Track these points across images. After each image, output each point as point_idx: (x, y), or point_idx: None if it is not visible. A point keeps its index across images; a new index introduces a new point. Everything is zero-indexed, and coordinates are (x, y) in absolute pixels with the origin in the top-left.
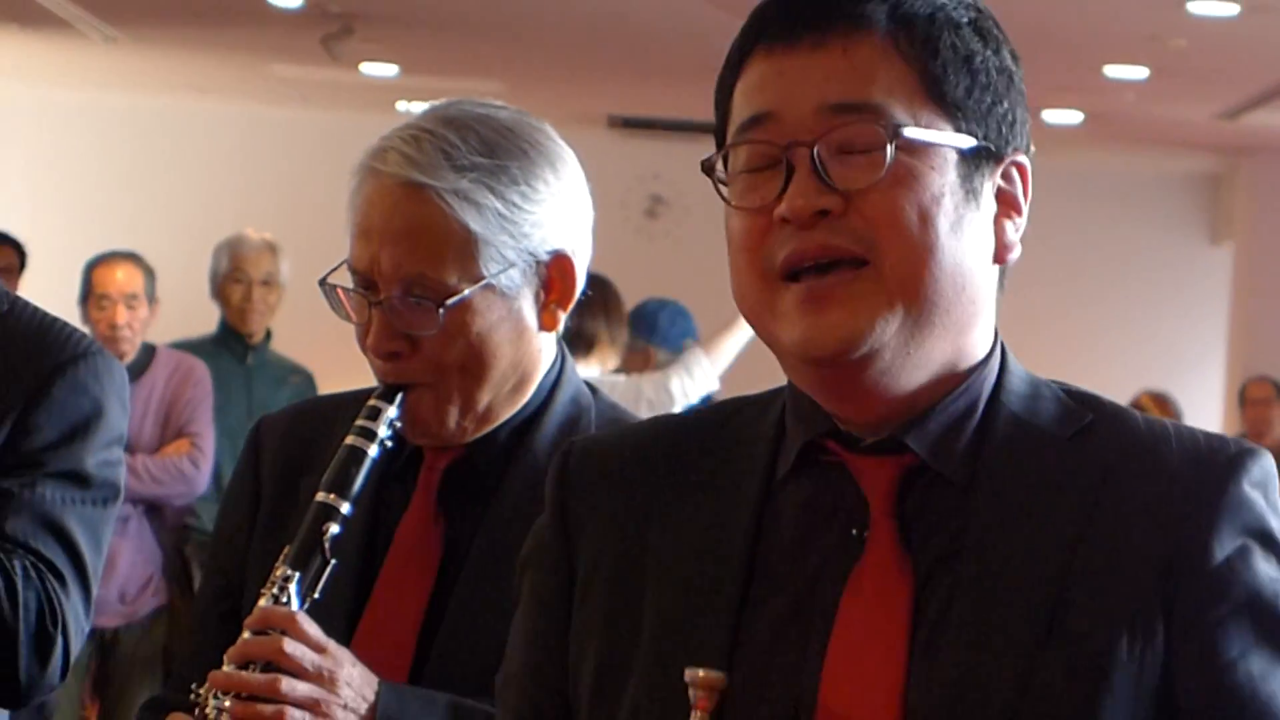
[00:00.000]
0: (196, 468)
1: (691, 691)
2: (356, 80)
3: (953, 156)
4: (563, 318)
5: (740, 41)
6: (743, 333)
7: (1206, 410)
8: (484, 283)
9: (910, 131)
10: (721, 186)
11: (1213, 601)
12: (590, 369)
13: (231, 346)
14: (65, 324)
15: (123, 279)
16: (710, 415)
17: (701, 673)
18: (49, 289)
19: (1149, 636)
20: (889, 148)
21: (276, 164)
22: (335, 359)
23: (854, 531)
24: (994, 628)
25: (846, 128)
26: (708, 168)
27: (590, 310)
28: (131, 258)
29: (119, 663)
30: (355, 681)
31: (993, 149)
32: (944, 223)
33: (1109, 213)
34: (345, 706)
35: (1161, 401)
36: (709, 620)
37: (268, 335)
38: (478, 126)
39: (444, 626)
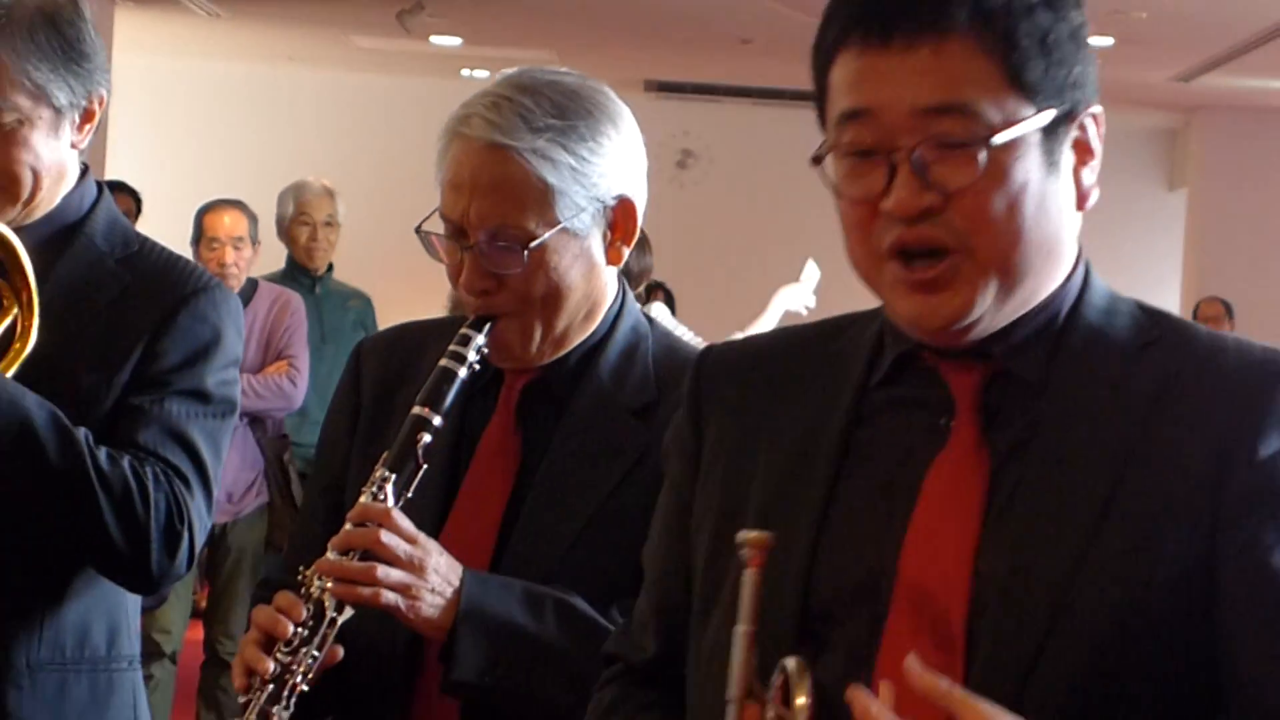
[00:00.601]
0: (295, 385)
1: (743, 551)
2: (426, 50)
3: (1036, 137)
4: (626, 253)
5: (831, 29)
6: (766, 320)
7: None
8: (560, 227)
9: (999, 137)
10: (827, 159)
11: (1257, 494)
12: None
13: (299, 279)
14: (188, 261)
15: (230, 224)
16: (823, 327)
17: (752, 534)
18: (158, 234)
19: (1197, 523)
20: (982, 153)
21: (356, 124)
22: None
23: (941, 422)
24: (1057, 508)
25: (941, 127)
26: (817, 157)
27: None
28: (237, 205)
29: (226, 553)
30: (442, 569)
31: (1069, 113)
32: (1030, 206)
33: None
34: (433, 590)
35: (1219, 306)
36: (805, 491)
37: (330, 268)
38: (548, 91)
39: (520, 523)
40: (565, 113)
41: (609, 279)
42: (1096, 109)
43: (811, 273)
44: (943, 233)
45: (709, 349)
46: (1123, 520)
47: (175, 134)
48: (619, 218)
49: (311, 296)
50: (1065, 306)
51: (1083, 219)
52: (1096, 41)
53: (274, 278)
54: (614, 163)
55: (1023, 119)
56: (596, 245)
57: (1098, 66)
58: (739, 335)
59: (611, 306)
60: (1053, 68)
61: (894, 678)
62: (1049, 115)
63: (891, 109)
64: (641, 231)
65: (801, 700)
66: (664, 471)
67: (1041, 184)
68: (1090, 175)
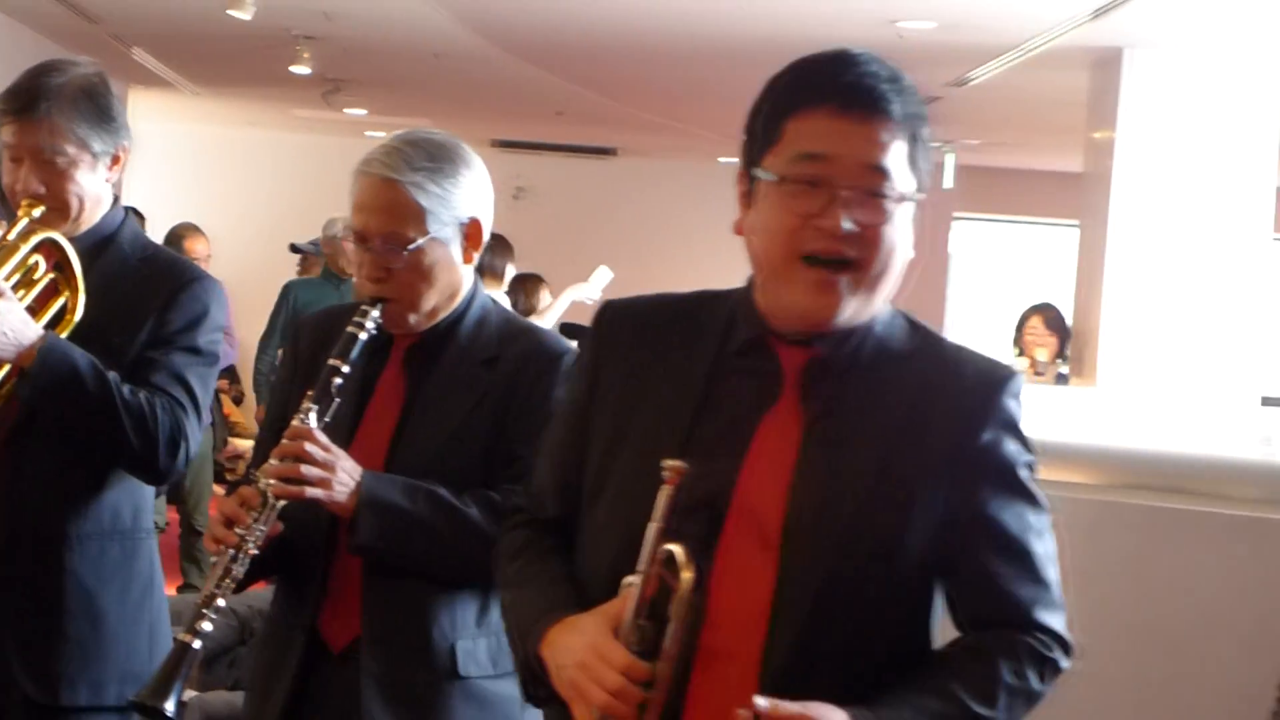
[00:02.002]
0: (231, 349)
1: (665, 473)
2: (342, 118)
3: (910, 206)
4: (476, 256)
5: (798, 91)
6: (557, 308)
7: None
8: (430, 236)
9: (902, 196)
10: (762, 175)
11: (979, 468)
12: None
13: (333, 281)
14: (186, 260)
15: (201, 248)
16: (693, 298)
17: (674, 462)
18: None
19: (939, 485)
20: (889, 203)
21: (294, 170)
22: None
23: (772, 390)
24: (847, 461)
25: (871, 182)
26: (758, 175)
27: (490, 251)
28: (197, 228)
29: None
30: (349, 469)
31: (921, 191)
32: (901, 247)
33: None
34: (342, 484)
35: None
36: (673, 428)
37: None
38: (424, 144)
39: (403, 439)
40: (435, 158)
41: (465, 273)
42: (922, 196)
43: (602, 275)
44: (853, 251)
45: (609, 303)
46: (892, 477)
47: (167, 175)
48: (471, 232)
49: (337, 293)
50: (873, 318)
51: None
52: None
53: (313, 281)
54: (467, 194)
55: (910, 190)
56: (456, 250)
57: None
58: (534, 319)
59: (467, 292)
60: (924, 161)
61: (726, 564)
62: (919, 194)
63: (846, 158)
64: (506, 240)
65: (687, 575)
66: (569, 388)
67: (905, 236)
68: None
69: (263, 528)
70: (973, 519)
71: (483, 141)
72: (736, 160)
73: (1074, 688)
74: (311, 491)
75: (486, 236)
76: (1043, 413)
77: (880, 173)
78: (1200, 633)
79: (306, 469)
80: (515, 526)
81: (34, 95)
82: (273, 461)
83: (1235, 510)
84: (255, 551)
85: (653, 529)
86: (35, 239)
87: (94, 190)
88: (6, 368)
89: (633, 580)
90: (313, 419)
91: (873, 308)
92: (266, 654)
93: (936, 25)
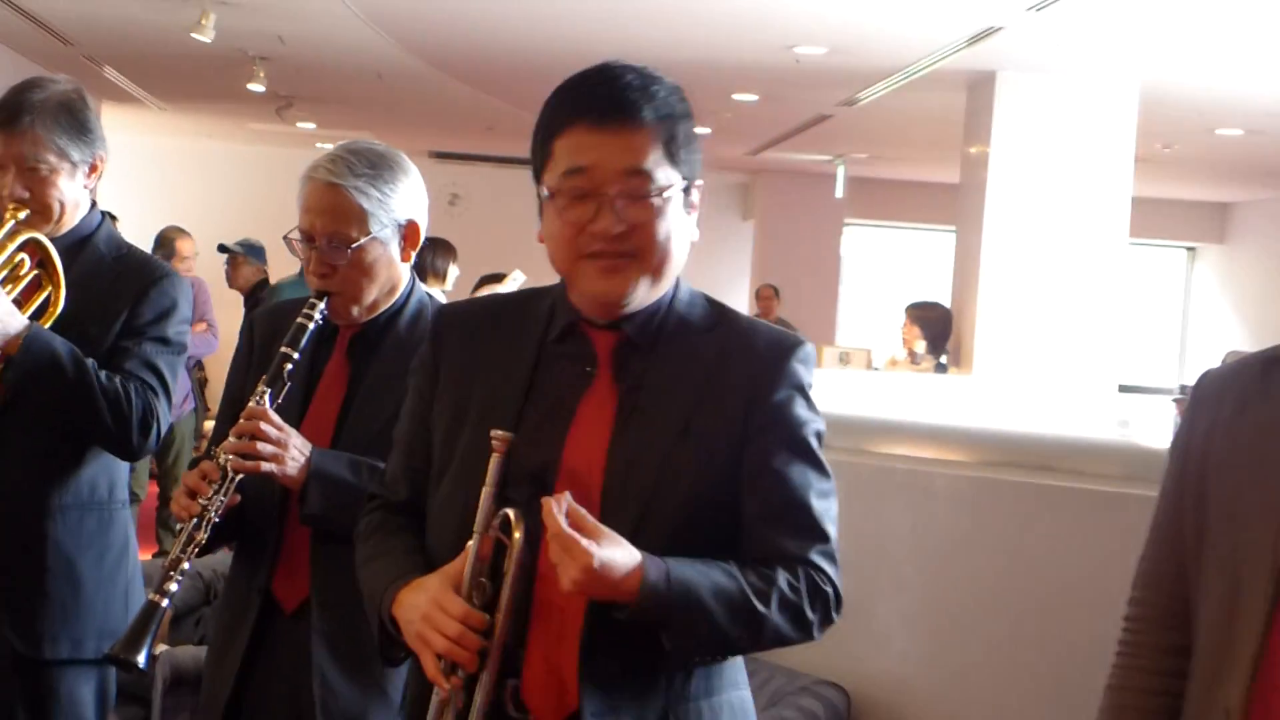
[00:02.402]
0: (215, 337)
1: (494, 442)
2: (293, 131)
3: (679, 195)
4: (413, 255)
5: (560, 111)
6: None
7: (740, 306)
8: (371, 236)
9: (666, 192)
10: (544, 192)
11: (769, 423)
12: (433, 288)
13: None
14: (156, 258)
15: (188, 248)
16: (517, 296)
17: (500, 432)
18: None
19: (736, 441)
20: (654, 199)
21: (246, 177)
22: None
23: (589, 369)
24: (656, 427)
25: (632, 185)
26: (541, 192)
27: (432, 252)
28: (185, 231)
29: (172, 439)
30: (299, 445)
31: (691, 182)
32: (676, 233)
33: None
34: (293, 459)
35: (770, 290)
36: (505, 408)
37: None
38: (366, 153)
39: (348, 419)
40: (375, 166)
41: (403, 270)
42: (700, 182)
43: (517, 277)
44: (627, 246)
45: (444, 306)
46: (695, 437)
47: (136, 182)
48: (408, 233)
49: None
50: (668, 299)
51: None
52: (701, 131)
53: (300, 282)
54: (405, 198)
55: (674, 183)
56: (394, 249)
57: (703, 146)
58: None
59: (405, 287)
60: (688, 153)
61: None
62: (684, 182)
63: (603, 168)
64: (449, 243)
65: (518, 534)
66: (410, 382)
67: (679, 220)
68: (694, 224)
69: (223, 498)
70: (761, 470)
71: (421, 153)
72: None
73: (952, 642)
74: (266, 466)
75: (423, 237)
76: (925, 399)
77: (640, 175)
78: (1064, 594)
79: (262, 446)
80: (371, 511)
81: (18, 109)
82: (231, 439)
83: (1096, 486)
84: (217, 520)
85: (486, 493)
86: (20, 239)
87: (73, 195)
88: None
89: (472, 542)
90: (267, 400)
91: (663, 287)
92: (226, 613)
93: (828, 50)
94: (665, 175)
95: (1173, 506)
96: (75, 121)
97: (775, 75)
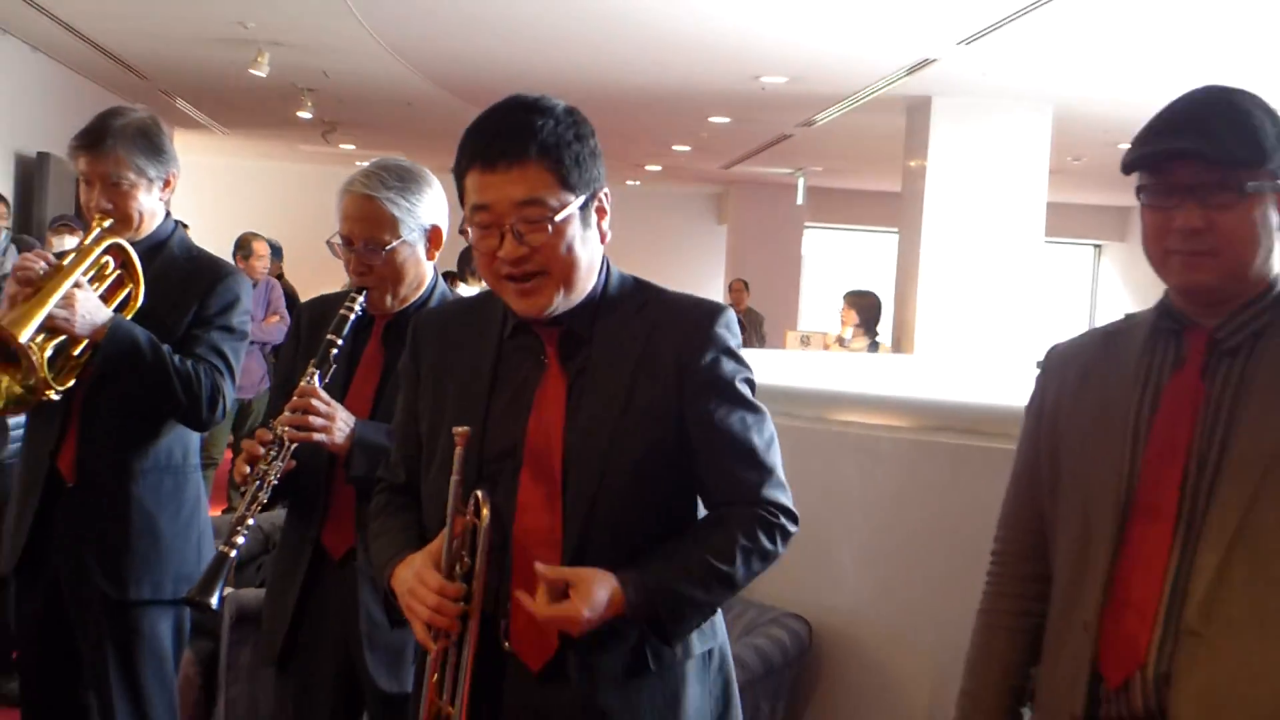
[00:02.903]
0: (286, 327)
1: (455, 436)
2: (336, 151)
3: (577, 212)
4: (436, 254)
5: (462, 156)
6: None
7: (715, 297)
8: (401, 239)
9: (558, 216)
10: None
11: (702, 385)
12: (472, 287)
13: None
14: (221, 259)
15: (262, 249)
16: (480, 298)
17: (460, 428)
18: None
19: (673, 404)
20: (549, 224)
21: (297, 191)
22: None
23: (542, 359)
24: (603, 401)
25: (525, 213)
26: (462, 227)
27: (471, 258)
28: (260, 235)
29: (249, 411)
30: (344, 418)
31: (591, 195)
32: (579, 246)
33: (669, 210)
34: (339, 430)
35: (741, 284)
36: (475, 401)
37: None
38: (395, 169)
39: (383, 396)
40: (404, 179)
41: (428, 268)
42: (605, 189)
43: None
44: (533, 266)
45: (418, 315)
46: (636, 406)
47: (204, 196)
48: (432, 236)
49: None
50: (599, 290)
51: (674, 235)
52: (680, 148)
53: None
54: (429, 206)
55: (568, 204)
56: (421, 250)
57: (683, 162)
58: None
59: (430, 281)
60: (581, 171)
61: (525, 500)
62: (581, 200)
63: (498, 203)
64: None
65: (485, 512)
66: (402, 381)
67: (582, 233)
68: (605, 223)
69: (281, 464)
70: (703, 425)
71: (445, 169)
72: (637, 182)
73: (893, 584)
74: (317, 436)
75: (445, 239)
76: (873, 374)
77: (533, 204)
78: (989, 536)
79: (313, 419)
80: (380, 492)
81: (102, 133)
82: (286, 413)
83: (1015, 446)
84: (275, 482)
85: (454, 481)
86: (105, 244)
87: (150, 206)
88: (85, 342)
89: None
90: (316, 380)
91: (581, 289)
92: (282, 561)
93: (789, 79)
94: (558, 199)
95: (1029, 460)
96: (151, 143)
97: (744, 101)
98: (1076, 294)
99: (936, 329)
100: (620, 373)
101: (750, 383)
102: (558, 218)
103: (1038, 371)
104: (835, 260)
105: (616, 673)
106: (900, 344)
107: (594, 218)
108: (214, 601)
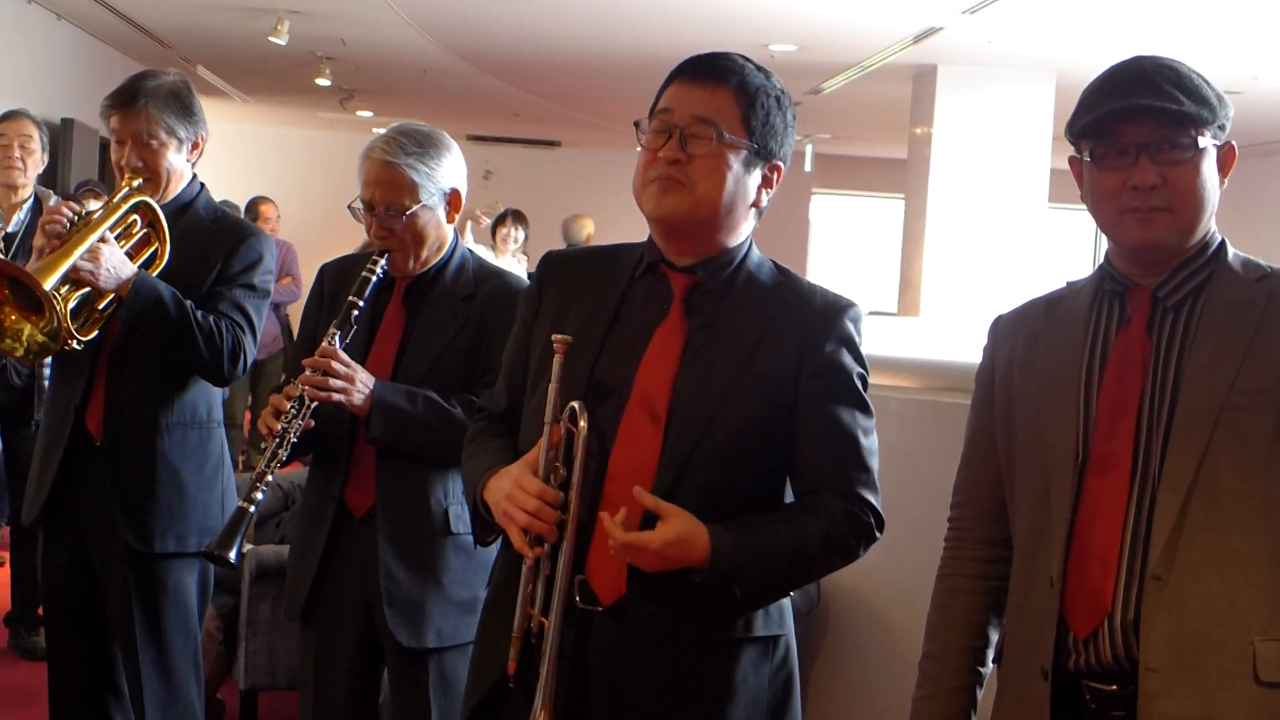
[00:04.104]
0: (299, 287)
1: (554, 345)
2: (353, 119)
3: (742, 153)
4: (456, 217)
5: (669, 76)
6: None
7: None
8: (421, 204)
9: (727, 135)
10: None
11: (820, 371)
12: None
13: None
14: (246, 220)
15: (272, 212)
16: (617, 246)
17: (559, 336)
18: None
19: (789, 381)
20: (713, 140)
21: (316, 158)
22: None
23: (664, 306)
24: (720, 361)
25: (698, 128)
26: (640, 123)
27: (512, 220)
28: (269, 199)
29: (262, 371)
30: (364, 379)
31: (764, 154)
32: (730, 180)
33: None
34: (359, 390)
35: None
36: (594, 333)
37: None
38: (414, 134)
39: (405, 356)
40: (423, 145)
41: (448, 231)
42: (781, 163)
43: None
44: (681, 175)
45: (550, 252)
46: (753, 373)
47: (225, 161)
48: (452, 200)
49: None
50: (738, 257)
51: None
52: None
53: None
54: (448, 171)
55: (738, 143)
56: (441, 213)
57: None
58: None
59: (450, 244)
60: (767, 128)
61: (626, 433)
62: (751, 147)
63: (681, 110)
64: (521, 213)
65: (582, 422)
66: (518, 312)
67: (739, 175)
68: (765, 197)
69: (300, 423)
70: (813, 408)
71: (459, 135)
72: None
73: (905, 537)
74: (337, 396)
75: (464, 202)
76: (882, 337)
77: (707, 122)
78: None
79: (332, 379)
80: (476, 420)
81: (135, 93)
82: (306, 372)
83: None
84: (295, 440)
85: (552, 389)
86: (133, 202)
87: (179, 167)
88: (110, 296)
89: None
90: (337, 341)
91: (721, 234)
92: (305, 519)
93: (798, 48)
94: (733, 133)
95: (982, 427)
96: (182, 104)
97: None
98: (1078, 258)
99: (942, 292)
100: (745, 337)
101: (865, 381)
102: (726, 137)
103: (985, 341)
104: (843, 226)
105: (675, 630)
106: (906, 308)
107: (758, 176)
108: (233, 556)
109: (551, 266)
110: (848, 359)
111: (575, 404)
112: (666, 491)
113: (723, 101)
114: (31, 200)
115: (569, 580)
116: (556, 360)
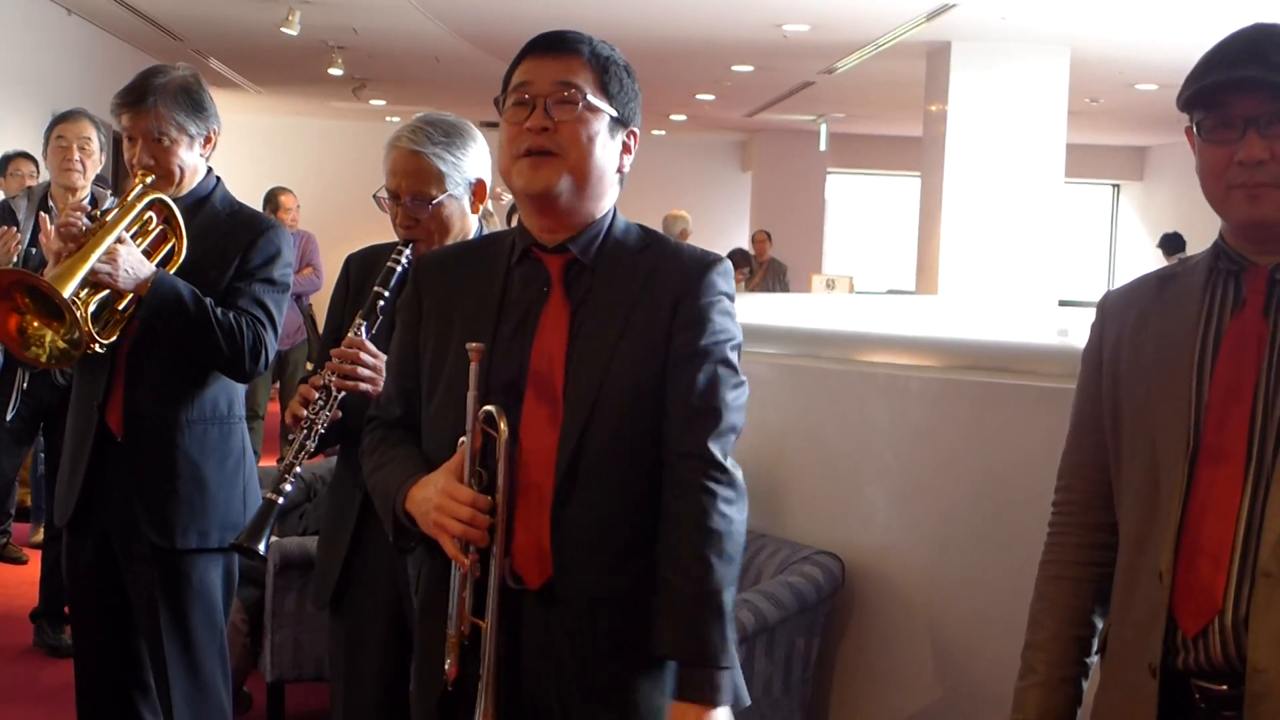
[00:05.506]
0: (319, 277)
1: (469, 353)
2: (367, 108)
3: (606, 119)
4: (480, 207)
5: (517, 57)
6: None
7: (741, 241)
8: (447, 194)
9: (590, 98)
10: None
11: (689, 322)
12: None
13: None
14: (263, 213)
15: (291, 202)
16: (484, 239)
17: (474, 344)
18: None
19: (662, 337)
20: (580, 104)
21: (330, 147)
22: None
23: (544, 289)
24: (601, 331)
25: (561, 93)
26: (497, 100)
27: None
28: (288, 190)
29: (286, 363)
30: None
31: (623, 120)
32: (599, 149)
33: (695, 159)
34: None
35: (764, 235)
36: (482, 326)
37: None
38: (439, 123)
39: None
40: (449, 135)
41: (473, 220)
42: (636, 130)
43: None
44: (550, 144)
45: (423, 255)
46: (631, 336)
47: (238, 153)
48: (477, 190)
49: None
50: (604, 227)
51: (700, 184)
52: (704, 97)
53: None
54: (474, 161)
55: (603, 105)
56: (466, 203)
57: (708, 110)
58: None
59: (475, 234)
60: (623, 94)
61: (528, 419)
62: (613, 112)
63: (539, 81)
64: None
65: (502, 425)
66: (400, 318)
67: (606, 140)
68: (627, 163)
69: (328, 413)
70: (680, 360)
71: (475, 122)
72: (662, 132)
73: (923, 520)
74: (364, 386)
75: (489, 191)
76: (900, 315)
77: (570, 85)
78: (1016, 473)
79: (360, 369)
80: (371, 430)
81: (144, 91)
82: (334, 361)
83: (1041, 383)
84: (323, 431)
85: (471, 397)
86: (147, 199)
87: (192, 163)
88: (129, 296)
89: (464, 439)
90: (363, 332)
91: (589, 197)
92: (333, 508)
93: (810, 28)
94: (595, 95)
95: (1089, 409)
96: (192, 100)
97: (767, 49)
98: (1096, 233)
99: (959, 270)
100: (620, 303)
101: (736, 347)
102: (590, 100)
103: (1093, 318)
104: (858, 205)
105: (606, 600)
106: (924, 286)
107: (620, 142)
108: (261, 548)
109: (426, 269)
110: (718, 315)
111: (492, 409)
112: (569, 462)
113: (578, 69)
114: (89, 201)
115: (502, 580)
116: (473, 369)
